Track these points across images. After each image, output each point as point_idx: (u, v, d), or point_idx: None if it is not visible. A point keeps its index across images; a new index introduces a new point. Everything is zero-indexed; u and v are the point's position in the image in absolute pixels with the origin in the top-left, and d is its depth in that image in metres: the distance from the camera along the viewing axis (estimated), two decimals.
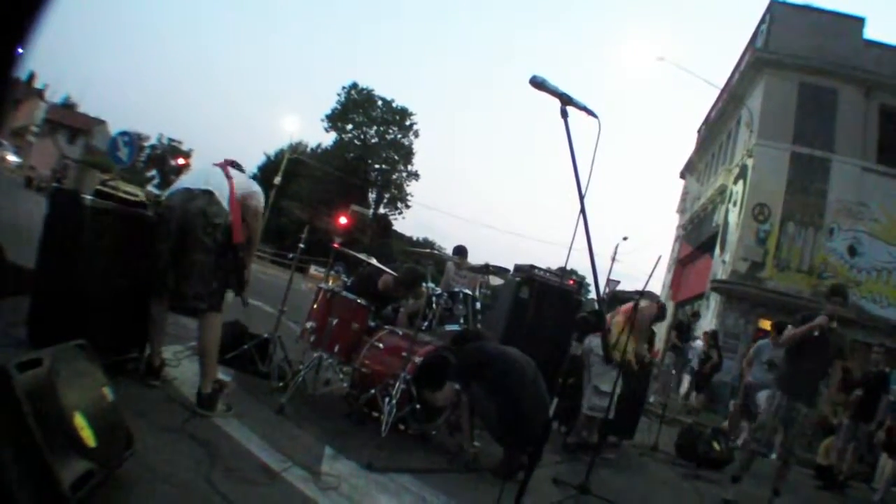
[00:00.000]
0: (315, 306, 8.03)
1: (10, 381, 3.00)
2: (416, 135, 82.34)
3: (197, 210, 5.74)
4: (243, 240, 6.03)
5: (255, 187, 6.39)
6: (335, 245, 9.28)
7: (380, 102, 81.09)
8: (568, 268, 10.88)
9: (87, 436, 3.39)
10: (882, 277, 25.58)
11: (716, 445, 10.79)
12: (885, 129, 26.51)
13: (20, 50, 1.77)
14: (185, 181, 6.12)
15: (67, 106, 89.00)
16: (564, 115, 3.71)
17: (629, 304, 9.51)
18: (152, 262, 5.88)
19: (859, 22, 28.16)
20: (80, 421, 3.39)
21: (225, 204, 5.90)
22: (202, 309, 5.87)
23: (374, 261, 8.14)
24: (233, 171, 6.21)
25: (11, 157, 57.25)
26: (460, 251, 12.00)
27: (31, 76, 78.15)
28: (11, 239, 7.95)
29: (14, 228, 10.85)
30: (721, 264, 28.52)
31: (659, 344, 20.78)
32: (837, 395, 16.74)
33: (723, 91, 34.03)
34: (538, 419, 6.57)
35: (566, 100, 3.76)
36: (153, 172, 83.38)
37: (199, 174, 6.18)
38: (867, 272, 25.68)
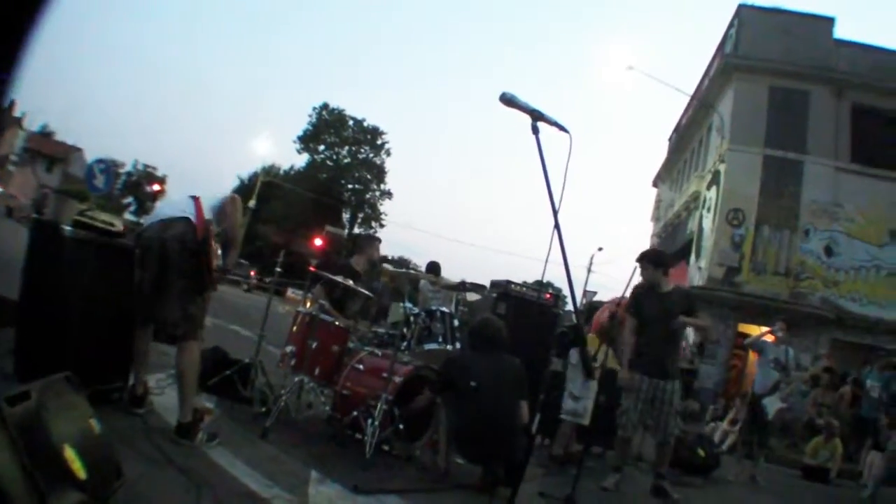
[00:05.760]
0: (294, 330, 8.05)
1: (1, 415, 3.03)
2: (388, 153, 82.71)
3: (175, 237, 5.81)
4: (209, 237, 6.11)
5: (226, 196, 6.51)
6: (311, 268, 9.28)
7: (351, 122, 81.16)
8: (544, 281, 10.90)
9: (78, 468, 3.42)
10: (861, 276, 25.84)
11: (700, 452, 10.84)
12: (858, 129, 26.77)
13: (6, 76, 1.80)
14: (161, 211, 6.24)
15: (45, 134, 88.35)
16: (535, 131, 3.75)
17: (600, 316, 9.61)
18: (135, 291, 5.94)
19: (829, 22, 28.42)
20: (70, 454, 3.42)
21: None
22: (179, 335, 5.91)
23: (350, 282, 8.15)
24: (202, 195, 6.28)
25: None
26: (434, 268, 11.99)
27: (11, 104, 77.58)
28: None
29: None
30: (697, 271, 28.72)
31: None
32: (825, 396, 16.95)
33: (693, 98, 34.12)
34: (498, 432, 6.66)
35: (537, 115, 3.79)
36: (130, 199, 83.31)
37: (176, 204, 6.24)
38: (845, 272, 25.93)
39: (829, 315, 25.12)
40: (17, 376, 5.55)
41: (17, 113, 79.23)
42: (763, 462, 12.28)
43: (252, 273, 52.81)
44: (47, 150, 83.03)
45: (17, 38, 1.77)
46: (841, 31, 28.58)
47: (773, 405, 11.79)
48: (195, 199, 6.16)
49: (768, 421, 11.90)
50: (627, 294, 8.59)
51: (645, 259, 8.56)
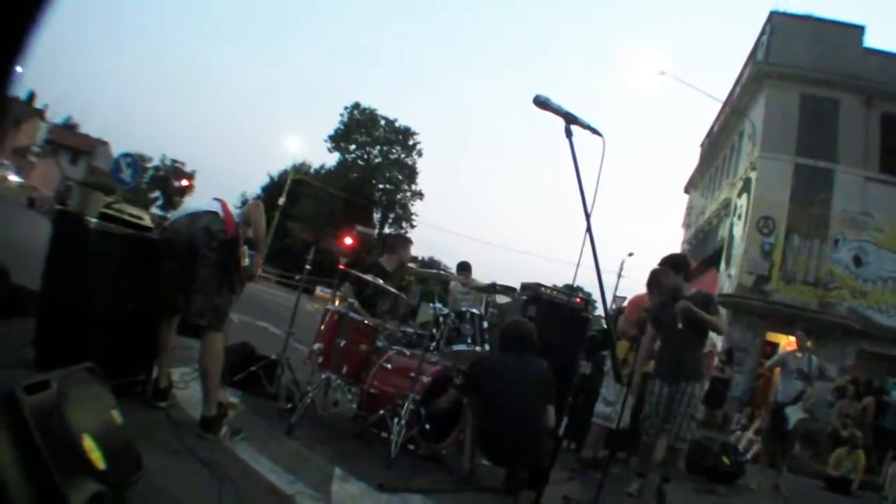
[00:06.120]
0: (322, 327, 7.99)
1: (18, 405, 2.99)
2: (420, 154, 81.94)
3: (201, 228, 5.82)
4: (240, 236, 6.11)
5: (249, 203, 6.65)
6: (341, 266, 9.24)
7: (383, 122, 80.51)
8: (574, 285, 10.87)
9: (97, 458, 3.36)
10: (888, 287, 25.64)
11: (725, 460, 10.78)
12: (887, 138, 26.59)
13: (18, 69, 1.75)
14: (189, 207, 6.27)
15: (69, 126, 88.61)
16: (569, 134, 3.71)
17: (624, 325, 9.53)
18: (160, 283, 5.95)
19: (859, 30, 28.26)
20: (89, 444, 3.36)
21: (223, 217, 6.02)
22: (203, 326, 5.90)
23: (380, 281, 8.10)
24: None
25: (13, 177, 57.41)
26: (464, 267, 11.90)
27: (32, 96, 77.81)
28: (16, 261, 7.94)
29: (18, 250, 10.81)
30: (727, 278, 28.57)
31: None
32: (850, 407, 16.83)
33: (725, 104, 34.07)
34: (523, 434, 6.59)
35: (570, 119, 3.75)
36: (157, 194, 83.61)
37: (201, 203, 6.29)
38: (873, 282, 25.76)
39: (856, 325, 24.99)
40: (37, 366, 5.51)
41: (38, 104, 79.58)
42: (785, 472, 12.15)
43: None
44: (71, 143, 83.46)
45: (18, 29, 1.72)
46: (871, 40, 28.43)
47: (794, 414, 11.66)
48: (221, 201, 6.18)
49: (789, 430, 11.77)
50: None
51: (666, 264, 8.49)
